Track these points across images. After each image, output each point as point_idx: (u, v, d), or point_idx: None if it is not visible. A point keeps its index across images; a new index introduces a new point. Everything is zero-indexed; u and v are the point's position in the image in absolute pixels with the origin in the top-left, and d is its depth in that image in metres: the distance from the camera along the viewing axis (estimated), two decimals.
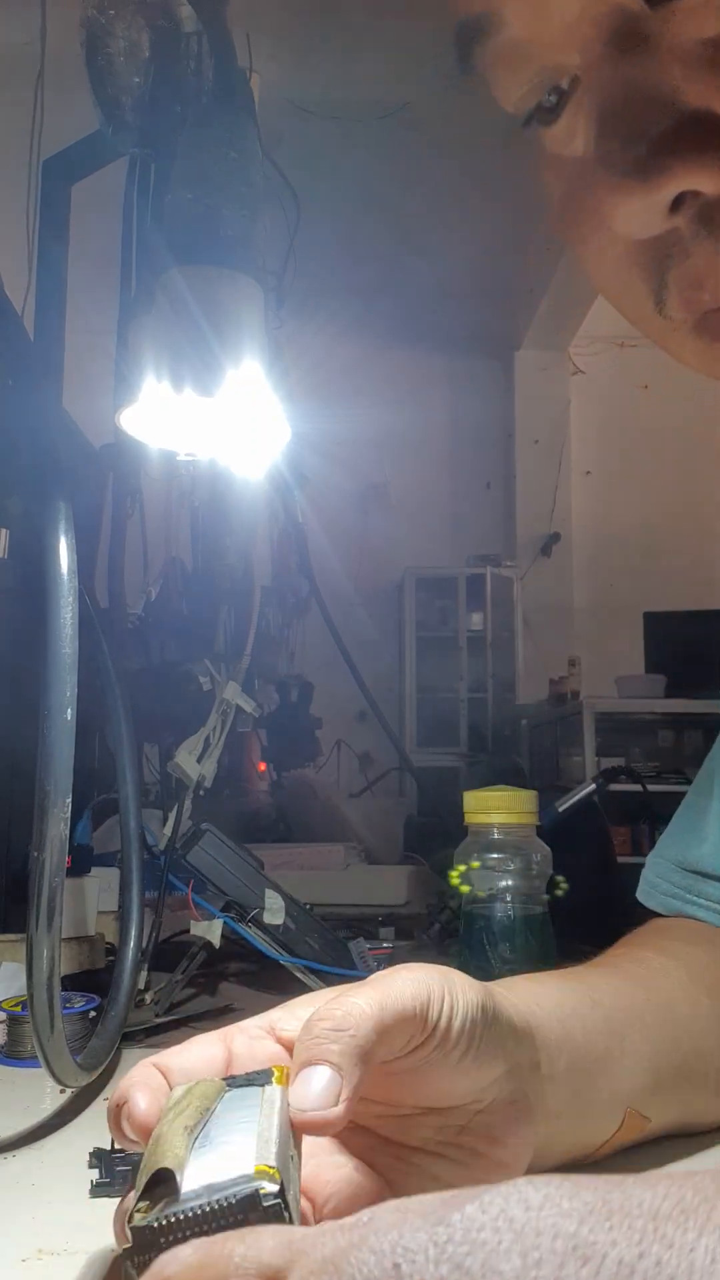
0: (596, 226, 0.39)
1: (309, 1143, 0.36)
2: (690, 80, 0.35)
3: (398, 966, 0.38)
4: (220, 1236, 0.24)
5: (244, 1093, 0.33)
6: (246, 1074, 0.35)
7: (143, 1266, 0.26)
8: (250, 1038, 0.38)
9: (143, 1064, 0.36)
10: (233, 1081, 0.34)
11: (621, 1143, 0.47)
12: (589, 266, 0.42)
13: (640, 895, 0.65)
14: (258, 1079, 0.34)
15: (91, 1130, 0.54)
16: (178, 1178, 0.28)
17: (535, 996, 0.44)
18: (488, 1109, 0.39)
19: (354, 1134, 0.39)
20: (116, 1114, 0.34)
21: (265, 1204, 0.27)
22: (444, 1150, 0.39)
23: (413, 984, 0.37)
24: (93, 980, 0.81)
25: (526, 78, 0.40)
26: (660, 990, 0.50)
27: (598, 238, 0.40)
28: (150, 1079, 0.35)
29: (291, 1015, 0.39)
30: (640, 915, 0.64)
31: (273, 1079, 0.34)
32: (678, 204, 0.36)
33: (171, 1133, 0.30)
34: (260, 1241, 0.24)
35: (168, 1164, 0.29)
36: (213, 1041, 0.38)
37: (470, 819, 0.74)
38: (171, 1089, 0.35)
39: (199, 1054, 0.37)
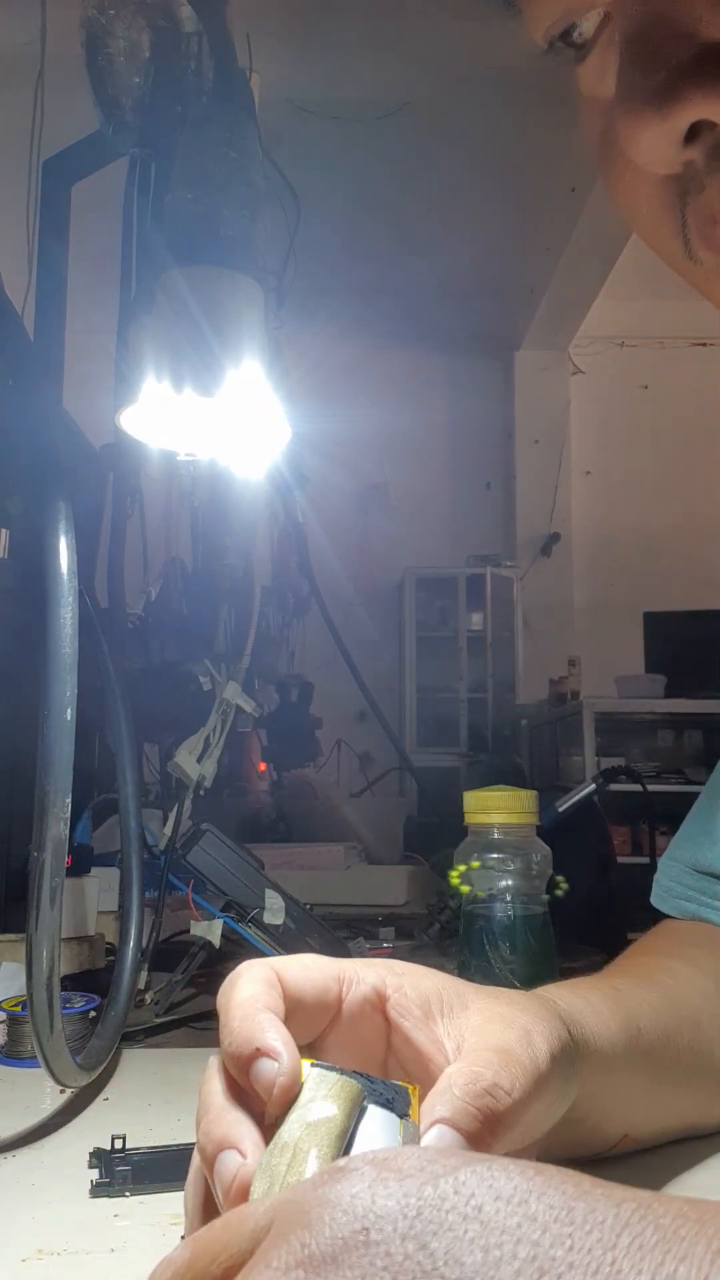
0: (624, 166, 0.40)
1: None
2: (713, 12, 0.35)
3: (528, 1012, 0.38)
4: (209, 1226, 0.25)
5: (383, 1118, 0.33)
6: (384, 1088, 0.34)
7: None
8: (363, 997, 0.38)
9: (263, 968, 0.36)
10: (371, 1092, 0.34)
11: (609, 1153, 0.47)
12: (623, 211, 0.42)
13: (654, 900, 0.66)
14: (397, 1104, 0.34)
15: (91, 1130, 0.54)
16: None
17: (595, 1037, 0.43)
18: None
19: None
20: (251, 1059, 0.33)
21: None
22: None
23: (554, 1051, 0.37)
24: (93, 980, 0.81)
25: (562, 7, 0.40)
26: (689, 1005, 0.51)
27: (627, 179, 0.40)
28: (277, 1006, 0.35)
29: (403, 991, 0.38)
30: (638, 914, 0.64)
31: (409, 1106, 0.34)
32: (694, 136, 0.36)
33: (312, 1154, 0.30)
34: (244, 1213, 0.25)
35: None
36: (331, 978, 0.38)
37: (470, 819, 0.74)
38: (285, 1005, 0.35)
39: (315, 987, 0.37)
